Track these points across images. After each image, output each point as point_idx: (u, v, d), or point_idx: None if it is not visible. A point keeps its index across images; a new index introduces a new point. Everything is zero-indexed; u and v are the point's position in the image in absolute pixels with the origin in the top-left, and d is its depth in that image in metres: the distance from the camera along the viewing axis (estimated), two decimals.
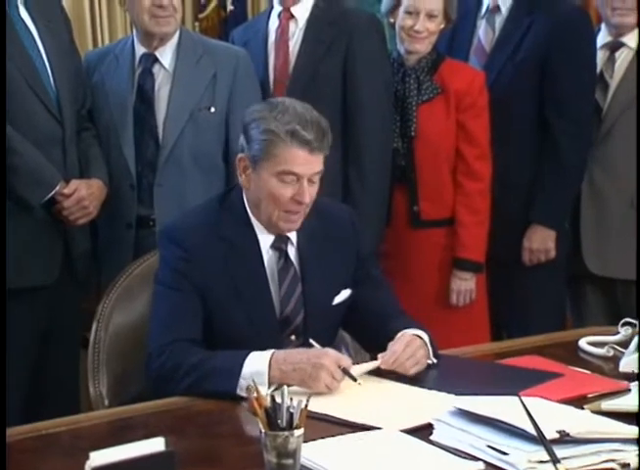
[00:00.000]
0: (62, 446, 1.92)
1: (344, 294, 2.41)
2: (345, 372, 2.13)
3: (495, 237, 3.30)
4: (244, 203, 2.33)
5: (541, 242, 3.34)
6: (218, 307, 2.28)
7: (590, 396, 2.14)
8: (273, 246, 2.34)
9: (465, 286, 3.28)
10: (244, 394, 2.09)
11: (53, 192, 2.87)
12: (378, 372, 2.24)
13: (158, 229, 2.38)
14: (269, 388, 2.08)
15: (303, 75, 3.16)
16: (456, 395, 2.10)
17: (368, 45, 3.19)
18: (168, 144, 3.04)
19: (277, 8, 3.27)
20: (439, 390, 2.16)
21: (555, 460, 1.66)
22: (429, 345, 2.30)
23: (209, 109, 3.06)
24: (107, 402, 2.33)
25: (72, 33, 3.14)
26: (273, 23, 3.28)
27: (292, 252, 2.36)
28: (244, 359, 2.13)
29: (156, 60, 3.09)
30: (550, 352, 2.45)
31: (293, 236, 2.36)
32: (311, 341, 2.25)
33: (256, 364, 2.13)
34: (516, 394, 2.09)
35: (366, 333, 2.44)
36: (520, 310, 3.41)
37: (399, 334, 2.29)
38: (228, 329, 2.28)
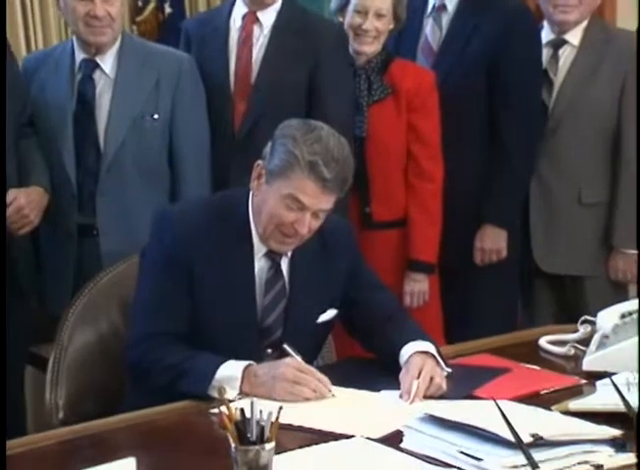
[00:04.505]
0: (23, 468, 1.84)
1: (330, 313, 2.38)
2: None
3: (446, 238, 3.28)
4: (247, 206, 2.30)
5: (493, 241, 3.33)
6: (202, 305, 2.25)
7: (543, 392, 2.15)
8: (266, 255, 2.30)
9: (418, 287, 3.27)
10: (215, 394, 2.06)
11: None
12: (345, 380, 2.21)
13: (155, 216, 2.33)
14: (239, 394, 2.10)
15: (267, 84, 3.07)
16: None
17: (335, 57, 3.12)
18: (110, 152, 2.97)
19: (242, 8, 3.15)
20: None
21: (534, 465, 1.65)
22: (438, 357, 2.24)
23: (153, 116, 3.00)
24: (61, 415, 2.27)
25: (6, 39, 3.03)
26: (235, 22, 3.16)
27: (284, 263, 2.32)
28: (219, 365, 2.14)
29: (96, 66, 3.01)
30: (511, 351, 2.44)
31: None
32: (284, 346, 2.23)
33: (231, 370, 2.13)
34: (468, 393, 2.13)
35: (368, 337, 2.40)
36: (472, 311, 3.38)
37: (406, 355, 2.23)
38: (207, 328, 2.25)
